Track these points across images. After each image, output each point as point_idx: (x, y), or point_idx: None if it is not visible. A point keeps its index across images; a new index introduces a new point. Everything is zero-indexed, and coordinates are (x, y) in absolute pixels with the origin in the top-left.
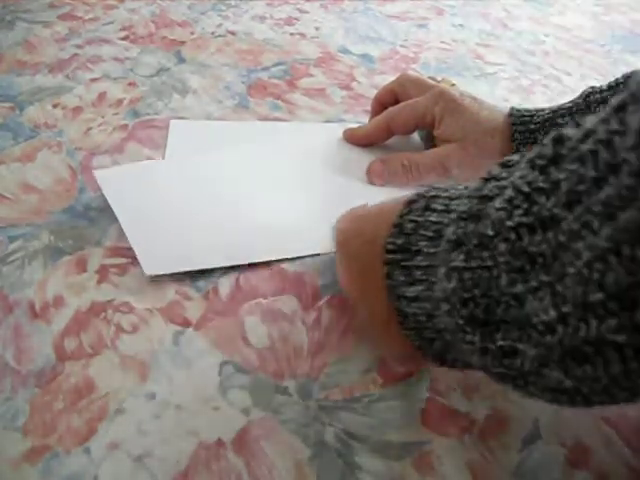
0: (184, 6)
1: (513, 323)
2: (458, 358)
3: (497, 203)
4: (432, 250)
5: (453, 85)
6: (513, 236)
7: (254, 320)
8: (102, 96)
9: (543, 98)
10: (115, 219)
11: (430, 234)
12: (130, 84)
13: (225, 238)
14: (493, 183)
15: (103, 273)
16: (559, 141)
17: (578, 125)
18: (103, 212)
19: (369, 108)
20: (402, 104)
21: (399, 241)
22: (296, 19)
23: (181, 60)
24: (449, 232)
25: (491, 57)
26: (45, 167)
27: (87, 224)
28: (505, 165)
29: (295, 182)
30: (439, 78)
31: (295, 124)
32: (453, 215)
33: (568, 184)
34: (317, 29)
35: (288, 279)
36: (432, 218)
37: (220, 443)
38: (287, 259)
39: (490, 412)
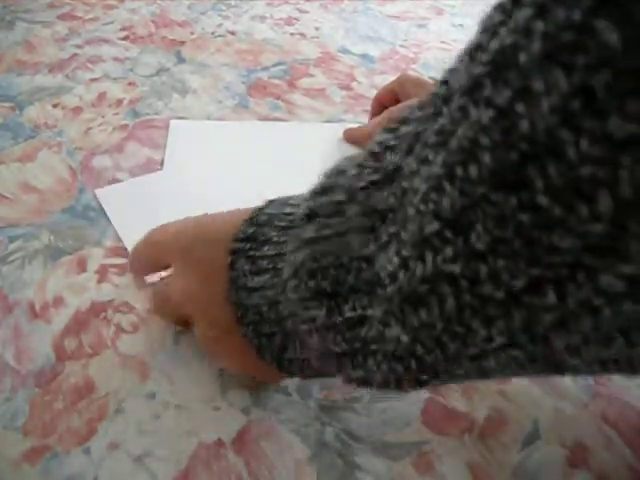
0: (184, 6)
1: (363, 289)
2: (295, 357)
3: (349, 172)
4: (282, 239)
5: None
6: (362, 196)
7: None
8: (102, 96)
9: None
10: None
11: (283, 224)
12: (130, 84)
13: None
14: (344, 162)
15: (103, 273)
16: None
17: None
18: (103, 212)
19: (369, 108)
20: (402, 104)
21: (249, 230)
22: (296, 19)
23: (181, 60)
24: (301, 208)
25: None
26: (45, 167)
27: (87, 224)
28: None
29: (295, 182)
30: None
31: (295, 124)
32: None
33: (411, 130)
34: (317, 29)
35: None
36: (287, 210)
37: (220, 443)
38: None
39: (490, 412)
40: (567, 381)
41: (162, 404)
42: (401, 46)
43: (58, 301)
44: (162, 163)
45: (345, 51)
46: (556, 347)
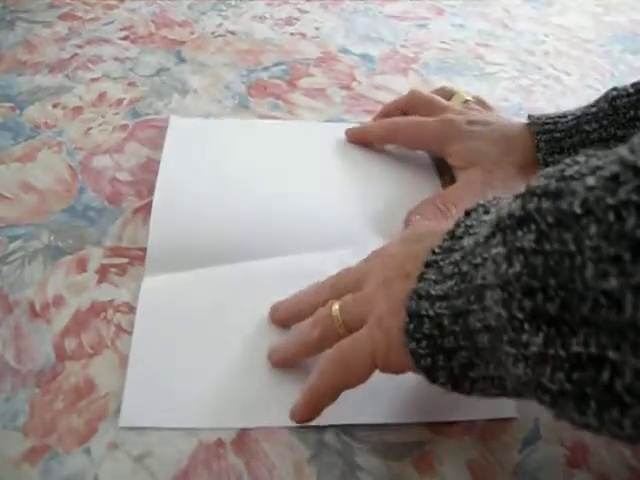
0: (184, 6)
1: (604, 327)
2: (485, 375)
3: (590, 181)
4: (473, 242)
5: (466, 102)
6: (612, 217)
7: None
8: (102, 96)
9: (543, 98)
10: (115, 219)
11: (478, 230)
12: (130, 84)
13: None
14: (575, 167)
15: (103, 273)
16: None
17: None
18: (103, 212)
19: (369, 108)
20: (411, 120)
21: (447, 244)
22: (296, 19)
23: (181, 60)
24: (512, 207)
25: (491, 57)
26: (45, 167)
27: (87, 224)
28: (587, 154)
29: (294, 182)
30: (449, 87)
31: (295, 124)
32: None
33: None
34: (317, 29)
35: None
36: (486, 218)
37: (220, 443)
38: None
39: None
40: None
41: None
42: (401, 46)
43: (58, 301)
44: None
45: (345, 51)
46: None
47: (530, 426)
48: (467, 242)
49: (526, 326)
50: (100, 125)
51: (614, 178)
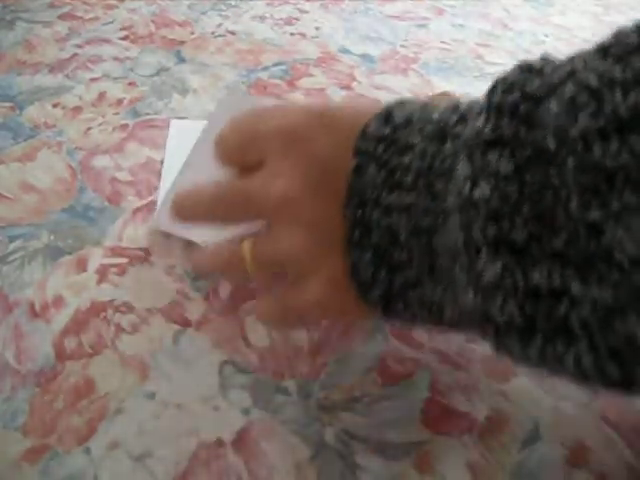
0: (184, 6)
1: (575, 260)
2: (424, 299)
3: (553, 105)
4: (439, 154)
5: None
6: (580, 147)
7: (254, 320)
8: (102, 96)
9: None
10: (115, 218)
11: (433, 133)
12: (130, 84)
13: None
14: (537, 80)
15: (103, 273)
16: None
17: None
18: (103, 212)
19: None
20: None
21: (385, 130)
22: (296, 19)
23: (181, 60)
24: (479, 125)
25: (491, 57)
26: (45, 167)
27: (87, 224)
28: (545, 59)
29: None
30: (451, 92)
31: None
32: (478, 111)
33: None
34: (317, 29)
35: None
36: (436, 117)
37: (220, 443)
38: None
39: (490, 412)
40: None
41: (162, 404)
42: (401, 46)
43: (58, 301)
44: (162, 162)
45: (345, 51)
46: None
47: (530, 426)
48: (419, 141)
49: (484, 252)
50: (100, 125)
51: (572, 102)
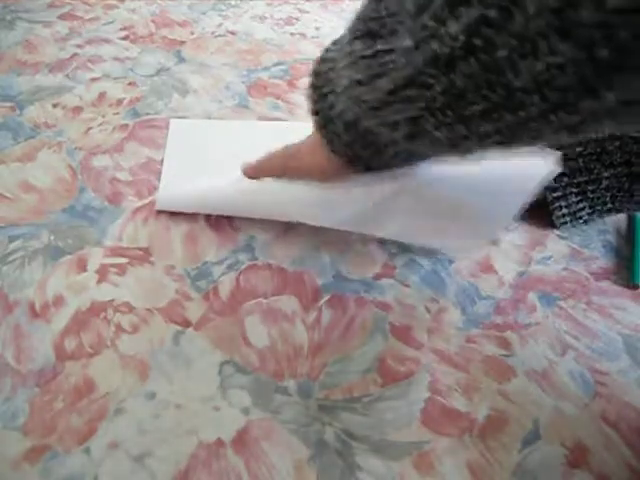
0: (184, 6)
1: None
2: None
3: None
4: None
5: None
6: None
7: (254, 320)
8: (102, 96)
9: None
10: (115, 218)
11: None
12: (130, 84)
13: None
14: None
15: (103, 273)
16: None
17: None
18: (103, 212)
19: None
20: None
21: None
22: (296, 19)
23: (181, 60)
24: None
25: None
26: (45, 167)
27: (87, 224)
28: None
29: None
30: None
31: (295, 124)
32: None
33: None
34: (317, 29)
35: (288, 279)
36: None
37: (220, 443)
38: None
39: (490, 412)
40: (567, 381)
41: (162, 404)
42: None
43: (58, 301)
44: (162, 162)
45: None
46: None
47: (530, 426)
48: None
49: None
50: (100, 125)
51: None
